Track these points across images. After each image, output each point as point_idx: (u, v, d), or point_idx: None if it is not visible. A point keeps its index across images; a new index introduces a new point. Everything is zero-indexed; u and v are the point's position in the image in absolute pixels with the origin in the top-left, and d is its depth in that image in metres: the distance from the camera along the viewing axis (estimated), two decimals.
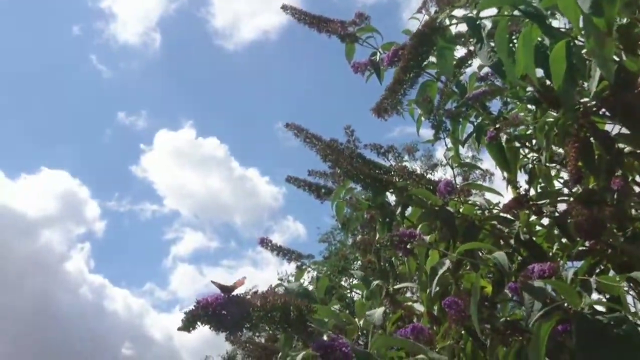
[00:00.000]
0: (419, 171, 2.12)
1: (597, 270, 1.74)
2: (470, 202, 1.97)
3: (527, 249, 1.82)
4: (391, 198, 2.01)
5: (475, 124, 2.13)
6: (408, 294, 2.51)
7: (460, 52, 2.10)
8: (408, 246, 1.51)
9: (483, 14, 1.53)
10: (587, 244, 1.76)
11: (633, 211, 1.75)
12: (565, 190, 1.93)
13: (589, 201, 1.53)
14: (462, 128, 2.18)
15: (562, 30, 1.49)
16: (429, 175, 2.09)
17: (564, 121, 1.60)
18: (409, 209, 1.98)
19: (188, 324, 1.00)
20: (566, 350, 1.44)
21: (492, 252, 1.56)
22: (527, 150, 2.06)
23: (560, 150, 1.84)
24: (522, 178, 2.06)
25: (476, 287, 1.42)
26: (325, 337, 1.10)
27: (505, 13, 1.46)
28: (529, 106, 1.97)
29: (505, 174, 2.05)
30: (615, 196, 1.63)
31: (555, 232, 1.89)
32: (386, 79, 2.04)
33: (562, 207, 1.88)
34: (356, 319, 1.97)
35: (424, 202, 1.88)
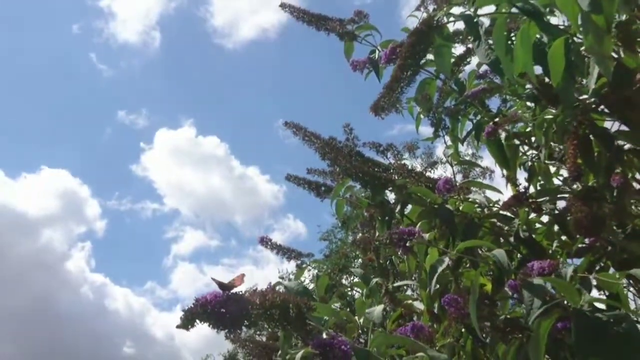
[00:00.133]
0: (418, 169, 2.12)
1: (597, 268, 1.74)
2: (470, 199, 1.97)
3: (526, 246, 1.82)
4: (391, 196, 2.00)
5: (474, 121, 2.13)
6: (408, 292, 2.51)
7: (458, 49, 2.11)
8: (407, 244, 1.51)
9: (481, 11, 1.53)
10: (586, 241, 1.76)
11: (633, 208, 1.75)
12: (565, 188, 1.93)
13: (589, 198, 1.53)
14: (461, 126, 2.18)
15: (561, 27, 1.49)
16: (428, 173, 2.09)
17: (562, 118, 1.60)
18: (409, 207, 1.98)
19: (187, 322, 1.00)
20: (566, 348, 1.44)
21: (492, 250, 1.56)
22: (526, 148, 2.05)
23: (560, 148, 1.84)
24: (521, 176, 2.06)
25: (475, 285, 1.42)
26: (324, 335, 1.10)
27: (503, 10, 1.46)
28: (528, 103, 1.97)
29: (505, 172, 2.04)
30: (615, 193, 1.63)
31: (555, 229, 1.89)
32: (385, 77, 2.04)
33: (561, 204, 1.88)
34: (356, 317, 1.97)
35: (423, 200, 1.87)
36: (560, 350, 1.49)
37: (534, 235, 1.87)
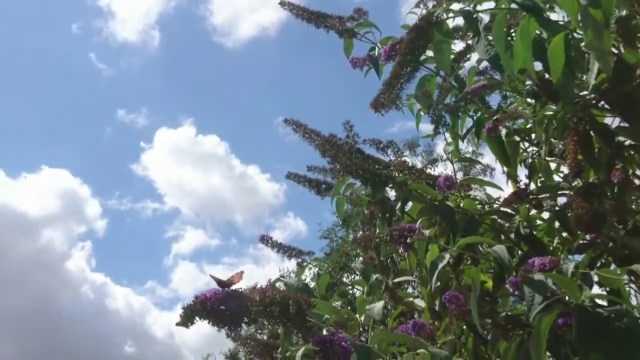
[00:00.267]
0: (419, 166, 2.12)
1: (598, 264, 1.74)
2: (470, 196, 1.97)
3: (527, 243, 1.82)
4: (391, 193, 2.00)
5: (474, 118, 2.13)
6: (410, 290, 2.51)
7: (458, 46, 2.10)
8: (407, 240, 1.51)
9: (480, 7, 1.53)
10: (587, 237, 1.76)
11: (634, 204, 1.75)
12: (566, 184, 1.93)
13: (589, 194, 1.53)
14: (461, 123, 2.18)
15: (560, 23, 1.48)
16: (429, 170, 2.08)
17: (563, 115, 1.60)
18: (409, 204, 1.98)
19: (186, 319, 0.99)
20: (567, 344, 1.43)
21: (493, 247, 1.55)
22: (527, 145, 2.05)
23: (560, 144, 1.83)
24: (522, 172, 2.06)
25: (476, 282, 1.42)
26: (324, 332, 1.10)
27: (503, 6, 1.45)
28: (529, 100, 1.97)
29: (505, 168, 2.04)
30: (615, 189, 1.62)
31: (556, 226, 1.89)
32: (385, 74, 2.04)
33: (562, 201, 1.88)
34: (357, 315, 1.97)
35: (424, 197, 1.87)
36: (561, 347, 1.49)
37: (534, 232, 1.87)
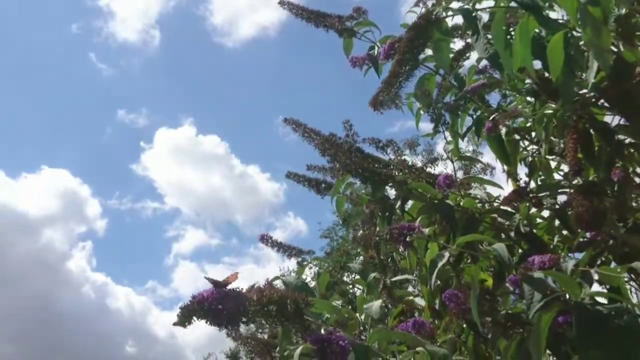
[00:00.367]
0: (419, 165, 2.12)
1: (599, 262, 1.73)
2: (470, 195, 1.97)
3: (527, 241, 1.82)
4: (391, 192, 2.00)
5: (474, 117, 2.13)
6: (410, 289, 2.51)
7: (458, 44, 2.10)
8: (407, 239, 1.51)
9: (479, 5, 1.53)
10: (588, 235, 1.76)
11: (634, 202, 1.75)
12: (566, 183, 1.93)
13: (590, 192, 1.53)
14: (461, 121, 2.18)
15: (560, 21, 1.48)
16: (429, 169, 2.08)
17: (562, 113, 1.60)
18: (409, 203, 1.98)
19: (184, 319, 1.00)
20: (567, 342, 1.43)
21: (493, 245, 1.55)
22: (527, 143, 2.05)
23: (560, 143, 1.83)
24: (522, 171, 2.06)
25: (475, 280, 1.42)
26: (322, 331, 1.10)
27: (502, 4, 1.45)
28: (528, 98, 1.97)
29: (505, 167, 2.04)
30: (615, 187, 1.62)
31: (556, 224, 1.89)
32: (384, 73, 2.04)
33: (562, 199, 1.88)
34: (357, 314, 1.96)
35: (424, 195, 1.87)
36: (561, 345, 1.49)
37: (534, 230, 1.87)
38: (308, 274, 2.80)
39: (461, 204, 1.92)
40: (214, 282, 1.06)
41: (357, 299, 2.16)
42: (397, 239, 1.51)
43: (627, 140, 1.68)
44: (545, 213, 1.92)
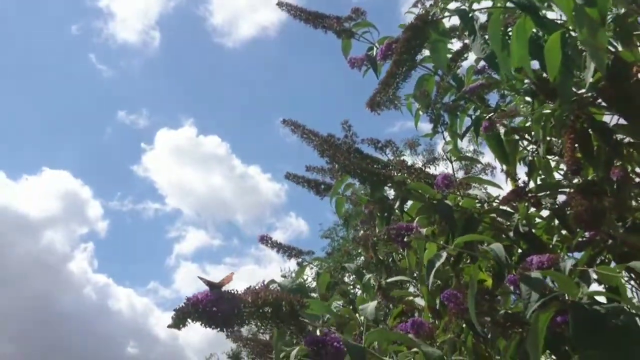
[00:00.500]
0: (419, 165, 2.12)
1: (598, 262, 1.73)
2: (470, 195, 1.96)
3: (526, 241, 1.81)
4: (390, 192, 2.01)
5: (473, 117, 2.13)
6: (411, 289, 2.51)
7: (456, 45, 2.10)
8: (405, 239, 1.51)
9: (476, 6, 1.53)
10: (587, 235, 1.75)
11: (633, 202, 1.75)
12: (566, 182, 1.93)
13: (588, 192, 1.53)
14: (460, 121, 2.18)
15: (557, 21, 1.48)
16: (429, 169, 2.08)
17: (560, 113, 1.60)
18: (409, 203, 1.98)
19: (178, 321, 1.00)
20: (566, 342, 1.43)
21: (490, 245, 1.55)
22: (526, 143, 2.05)
23: (559, 142, 1.83)
24: (523, 170, 2.06)
25: (474, 280, 1.42)
26: (317, 332, 1.10)
27: (499, 5, 1.45)
28: (527, 98, 1.97)
29: (504, 167, 2.04)
30: (615, 187, 1.62)
31: (555, 223, 1.89)
32: (383, 74, 2.03)
33: (561, 198, 1.88)
34: (357, 315, 1.97)
35: (422, 196, 1.87)
36: (560, 344, 1.49)
37: (533, 230, 1.87)
38: (309, 275, 2.80)
39: (460, 204, 1.92)
40: (209, 283, 1.06)
41: (357, 299, 2.16)
42: (394, 239, 1.51)
43: (626, 140, 1.67)
44: (545, 213, 1.92)
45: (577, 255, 1.78)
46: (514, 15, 1.52)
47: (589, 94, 1.60)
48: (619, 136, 1.66)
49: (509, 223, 1.87)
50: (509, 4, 1.43)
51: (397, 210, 1.95)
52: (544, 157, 1.90)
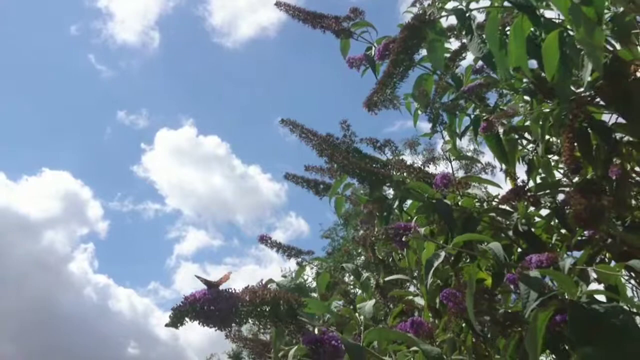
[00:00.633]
0: (417, 164, 2.12)
1: (597, 260, 1.73)
2: (469, 194, 1.96)
3: (525, 240, 1.81)
4: (390, 192, 2.01)
5: (472, 116, 2.13)
6: (412, 289, 2.51)
7: (455, 44, 2.10)
8: (403, 239, 1.51)
9: (474, 5, 1.53)
10: (586, 233, 1.75)
11: (632, 200, 1.75)
12: (566, 181, 1.93)
13: (587, 190, 1.53)
14: (459, 121, 2.18)
15: (556, 20, 1.48)
16: (428, 169, 2.08)
17: (559, 112, 1.59)
18: (408, 203, 1.98)
19: (176, 320, 1.00)
20: (565, 341, 1.43)
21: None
22: (525, 142, 2.05)
23: (558, 141, 1.83)
24: (523, 170, 2.06)
25: (472, 278, 1.42)
26: (316, 331, 1.10)
27: (496, 4, 1.45)
28: (525, 97, 1.97)
29: (504, 166, 2.04)
30: (614, 185, 1.62)
31: (555, 222, 1.89)
32: (381, 73, 2.03)
33: (561, 197, 1.88)
34: (357, 314, 1.97)
35: (421, 195, 1.87)
36: (560, 343, 1.49)
37: (533, 229, 1.87)
38: (309, 275, 2.80)
39: (459, 203, 1.92)
40: (206, 282, 1.06)
41: (357, 298, 2.16)
42: (393, 239, 1.51)
43: (625, 139, 1.67)
44: (544, 212, 1.92)
45: (577, 254, 1.78)
46: (512, 14, 1.52)
47: (588, 93, 1.60)
48: (618, 135, 1.66)
49: (508, 222, 1.87)
50: (506, 4, 1.43)
51: (396, 210, 1.95)
52: (542, 157, 1.90)
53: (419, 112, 2.24)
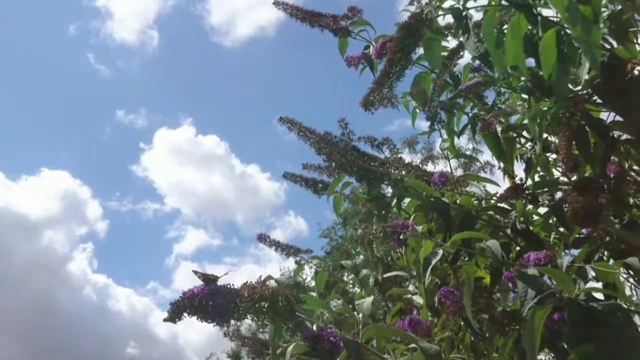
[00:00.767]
0: (416, 162, 2.12)
1: (596, 258, 1.74)
2: (467, 192, 1.97)
3: (524, 238, 1.82)
4: (388, 190, 2.01)
5: (469, 115, 2.13)
6: (410, 287, 2.52)
7: (452, 43, 2.10)
8: (401, 237, 1.51)
9: (471, 4, 1.53)
10: (584, 232, 1.76)
11: (630, 199, 1.75)
12: (564, 179, 1.93)
13: (585, 189, 1.53)
14: (457, 119, 2.18)
15: (553, 19, 1.48)
16: (426, 167, 2.09)
17: (556, 110, 1.60)
18: (406, 201, 1.98)
19: (174, 315, 1.00)
20: (564, 339, 1.44)
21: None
22: (523, 140, 2.06)
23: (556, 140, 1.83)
24: (521, 168, 2.07)
25: (470, 277, 1.42)
26: (314, 328, 1.10)
27: (493, 3, 1.46)
28: (523, 95, 1.97)
29: (502, 164, 2.05)
30: (611, 183, 1.63)
31: (553, 220, 1.89)
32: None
33: (559, 196, 1.88)
34: (355, 313, 1.97)
35: (419, 193, 1.87)
36: (558, 342, 1.49)
37: (531, 227, 1.87)
38: (308, 274, 2.81)
39: (458, 201, 1.92)
40: (204, 276, 1.06)
41: (355, 296, 2.16)
42: (391, 236, 1.52)
43: (623, 137, 1.67)
44: (542, 210, 1.92)
45: (575, 252, 1.78)
46: (509, 12, 1.52)
47: (585, 91, 1.60)
48: (616, 133, 1.66)
49: (506, 220, 1.87)
50: (503, 2, 1.43)
51: (394, 208, 1.95)
52: (540, 155, 1.90)
53: (417, 110, 2.24)
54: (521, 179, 1.86)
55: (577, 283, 1.28)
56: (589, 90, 1.60)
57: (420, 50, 1.71)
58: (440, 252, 1.47)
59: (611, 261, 1.73)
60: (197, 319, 1.00)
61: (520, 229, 1.81)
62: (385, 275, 2.12)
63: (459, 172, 2.42)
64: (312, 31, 2.09)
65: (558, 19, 1.47)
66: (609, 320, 1.16)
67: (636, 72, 1.45)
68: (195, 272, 1.05)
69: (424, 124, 2.41)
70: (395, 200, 1.92)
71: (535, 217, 1.92)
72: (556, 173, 2.03)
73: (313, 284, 2.62)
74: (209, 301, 0.99)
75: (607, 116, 1.68)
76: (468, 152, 4.88)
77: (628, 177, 1.69)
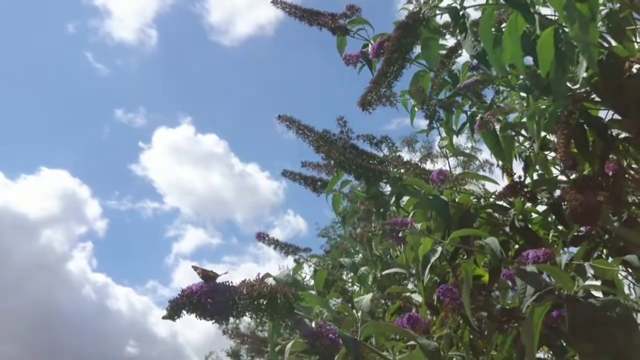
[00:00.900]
0: (414, 161, 2.12)
1: (595, 256, 1.74)
2: (466, 190, 1.97)
3: (522, 236, 1.82)
4: (387, 188, 2.01)
5: (468, 113, 2.13)
6: (410, 286, 2.52)
7: (451, 41, 2.10)
8: (400, 235, 1.52)
9: (468, 3, 1.53)
10: (583, 229, 1.76)
11: (628, 197, 1.75)
12: (563, 177, 1.93)
13: (584, 187, 1.53)
14: (455, 118, 2.18)
15: (551, 17, 1.49)
16: (424, 165, 2.09)
17: (554, 108, 1.60)
18: (405, 199, 1.98)
19: (173, 312, 1.00)
20: (563, 336, 1.44)
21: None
22: (522, 139, 2.06)
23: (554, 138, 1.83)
24: (520, 166, 2.07)
25: (469, 275, 1.43)
26: (313, 325, 1.10)
27: (490, 1, 1.46)
28: (522, 94, 1.97)
29: (501, 162, 2.05)
30: (610, 181, 1.63)
31: (551, 218, 1.89)
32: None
33: (557, 194, 1.88)
34: (354, 311, 1.97)
35: (418, 191, 1.87)
36: (556, 339, 1.50)
37: (530, 225, 1.87)
38: (307, 272, 2.81)
39: (456, 199, 1.92)
40: (202, 272, 1.06)
41: (354, 294, 2.16)
42: (389, 234, 1.52)
43: (621, 135, 1.68)
44: (541, 208, 1.92)
45: (573, 250, 1.79)
46: (507, 11, 1.52)
47: (583, 90, 1.60)
48: (614, 131, 1.66)
49: (505, 218, 1.87)
50: (501, 1, 1.43)
51: (393, 206, 1.95)
52: (539, 153, 1.90)
53: (416, 109, 2.24)
54: (520, 177, 1.86)
55: (575, 280, 1.28)
56: (587, 88, 1.60)
57: (418, 49, 1.72)
58: (439, 250, 1.47)
59: (610, 259, 1.73)
60: (196, 316, 1.00)
61: (519, 227, 1.81)
62: (384, 272, 2.12)
63: (458, 170, 2.42)
64: (311, 30, 2.09)
65: (556, 18, 1.47)
66: (608, 316, 1.16)
67: (634, 70, 1.46)
68: (195, 268, 1.06)
69: (422, 123, 2.41)
70: (394, 198, 1.92)
71: (534, 215, 1.93)
72: (555, 171, 2.03)
73: (312, 282, 2.62)
74: (208, 299, 0.99)
75: (605, 114, 1.68)
76: (467, 151, 4.88)
77: (626, 175, 1.69)
